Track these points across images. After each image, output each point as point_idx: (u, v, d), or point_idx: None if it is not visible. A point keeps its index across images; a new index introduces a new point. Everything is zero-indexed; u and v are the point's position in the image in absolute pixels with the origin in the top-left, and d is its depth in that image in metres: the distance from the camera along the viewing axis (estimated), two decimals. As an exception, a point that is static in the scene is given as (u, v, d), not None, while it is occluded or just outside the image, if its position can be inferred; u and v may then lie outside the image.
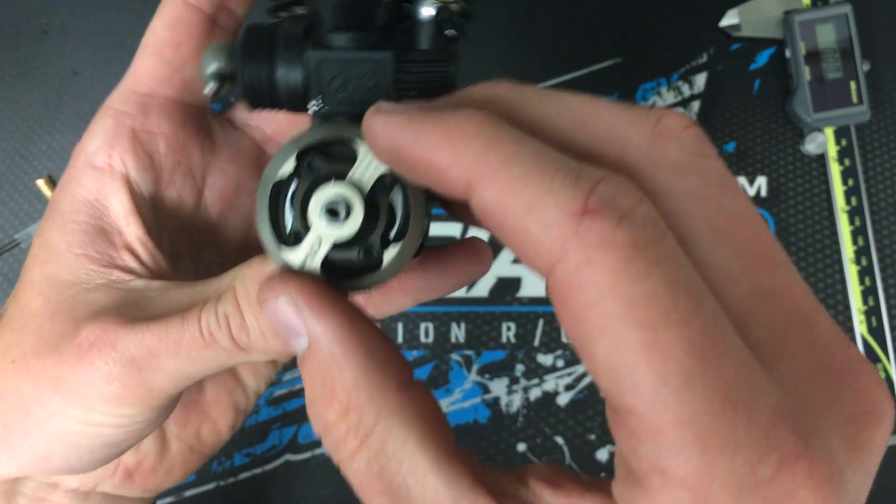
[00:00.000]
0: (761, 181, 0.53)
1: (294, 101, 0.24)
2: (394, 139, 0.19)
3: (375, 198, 0.22)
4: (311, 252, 0.22)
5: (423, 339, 0.52)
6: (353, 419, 0.19)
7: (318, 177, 0.22)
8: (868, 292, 0.52)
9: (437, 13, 0.23)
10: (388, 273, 0.22)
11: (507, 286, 0.52)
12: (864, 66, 0.52)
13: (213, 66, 0.24)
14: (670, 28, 0.54)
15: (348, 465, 0.20)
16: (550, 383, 0.51)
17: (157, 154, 0.30)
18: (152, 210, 0.30)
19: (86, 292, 0.27)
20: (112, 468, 0.30)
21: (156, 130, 0.30)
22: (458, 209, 0.24)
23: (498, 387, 0.51)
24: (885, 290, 0.52)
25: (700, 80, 0.54)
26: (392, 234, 0.22)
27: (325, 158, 0.22)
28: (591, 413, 0.51)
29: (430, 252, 0.31)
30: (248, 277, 0.25)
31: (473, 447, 0.51)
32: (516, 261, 0.53)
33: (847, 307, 0.52)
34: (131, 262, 0.28)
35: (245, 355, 0.25)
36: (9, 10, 0.54)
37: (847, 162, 0.53)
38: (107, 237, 0.28)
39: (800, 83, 0.52)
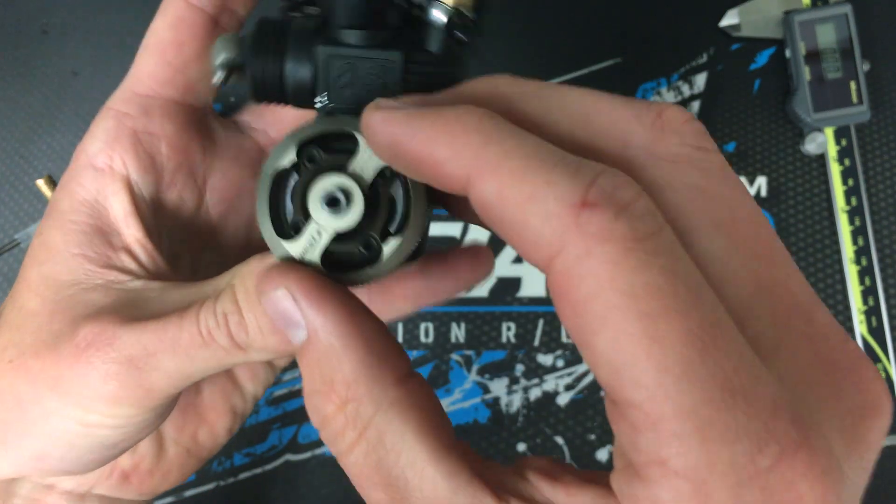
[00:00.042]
0: (761, 181, 0.53)
1: (301, 96, 0.24)
2: (392, 135, 0.19)
3: (376, 190, 0.22)
4: (310, 243, 0.22)
5: (423, 338, 0.52)
6: (351, 411, 0.19)
7: (318, 168, 0.22)
8: (868, 292, 0.52)
9: (449, 17, 0.23)
10: (388, 266, 0.22)
11: (508, 286, 0.52)
12: (864, 66, 0.52)
13: (222, 57, 0.24)
14: (670, 28, 0.54)
15: (346, 457, 0.20)
16: (550, 383, 0.51)
17: (159, 155, 0.30)
18: (152, 211, 0.30)
19: (84, 292, 0.27)
20: (108, 470, 0.30)
21: (157, 132, 0.30)
22: (458, 206, 0.24)
23: (498, 387, 0.51)
24: (885, 290, 0.52)
25: (700, 80, 0.54)
26: (392, 227, 0.22)
27: (326, 151, 0.22)
28: (591, 413, 0.51)
29: (431, 257, 0.31)
30: (246, 275, 0.25)
31: (473, 447, 0.50)
32: (516, 261, 0.53)
33: (847, 307, 0.52)
34: (130, 264, 0.28)
35: (244, 354, 0.25)
36: (9, 10, 0.54)
37: (847, 162, 0.53)
38: (106, 238, 0.28)
39: (800, 83, 0.52)
